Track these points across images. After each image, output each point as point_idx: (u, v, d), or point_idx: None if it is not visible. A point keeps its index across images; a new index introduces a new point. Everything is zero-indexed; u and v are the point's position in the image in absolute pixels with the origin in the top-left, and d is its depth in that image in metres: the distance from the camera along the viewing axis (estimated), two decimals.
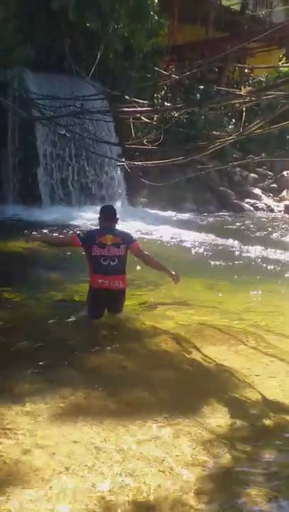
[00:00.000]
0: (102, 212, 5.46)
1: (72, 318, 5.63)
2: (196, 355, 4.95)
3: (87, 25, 13.52)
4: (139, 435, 3.42)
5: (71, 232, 5.48)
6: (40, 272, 7.96)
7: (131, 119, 6.89)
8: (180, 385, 4.35)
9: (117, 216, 5.45)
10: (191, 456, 3.24)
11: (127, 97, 6.26)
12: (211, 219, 15.09)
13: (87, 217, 12.39)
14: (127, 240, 5.31)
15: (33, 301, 6.28)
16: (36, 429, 3.41)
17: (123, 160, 10.00)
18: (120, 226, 5.64)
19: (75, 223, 11.95)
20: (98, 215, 5.50)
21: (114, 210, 5.49)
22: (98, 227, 5.50)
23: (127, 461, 3.12)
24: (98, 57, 8.12)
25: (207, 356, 4.92)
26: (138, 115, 6.35)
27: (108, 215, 5.38)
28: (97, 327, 5.53)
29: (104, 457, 3.14)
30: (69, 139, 13.00)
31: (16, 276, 7.69)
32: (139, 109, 6.14)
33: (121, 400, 3.95)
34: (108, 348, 4.98)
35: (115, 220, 5.40)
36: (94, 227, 5.62)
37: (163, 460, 3.16)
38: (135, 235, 5.51)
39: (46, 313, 5.93)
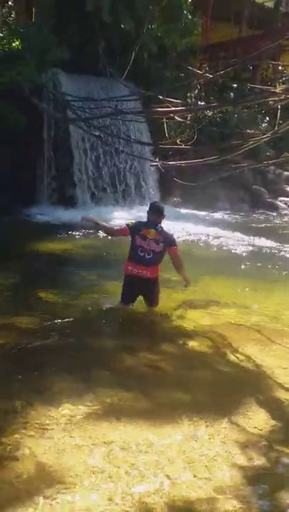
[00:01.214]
0: (150, 207, 5.80)
1: (107, 316, 5.75)
2: (231, 356, 4.92)
3: (122, 26, 13.58)
4: (175, 436, 3.42)
5: (124, 223, 5.87)
6: (75, 272, 8.01)
7: (164, 119, 6.87)
8: (216, 386, 4.33)
9: (164, 214, 5.73)
10: (227, 458, 3.21)
11: (160, 96, 6.25)
12: (244, 218, 14.95)
13: (120, 218, 12.43)
14: (167, 241, 5.57)
15: (69, 301, 6.34)
16: (73, 429, 3.44)
17: (157, 160, 10.00)
18: None
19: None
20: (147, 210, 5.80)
21: (161, 207, 5.78)
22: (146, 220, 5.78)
23: (163, 463, 3.11)
24: (132, 57, 8.13)
25: (243, 356, 4.89)
26: (172, 115, 6.34)
27: (155, 211, 5.68)
28: (131, 327, 5.56)
29: (140, 458, 3.15)
30: (103, 141, 13.09)
31: (51, 277, 7.78)
32: (173, 108, 6.12)
33: (156, 401, 3.95)
34: (142, 347, 5.00)
35: (161, 216, 5.68)
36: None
37: (199, 462, 3.15)
38: (176, 239, 5.74)
39: (81, 313, 5.98)
